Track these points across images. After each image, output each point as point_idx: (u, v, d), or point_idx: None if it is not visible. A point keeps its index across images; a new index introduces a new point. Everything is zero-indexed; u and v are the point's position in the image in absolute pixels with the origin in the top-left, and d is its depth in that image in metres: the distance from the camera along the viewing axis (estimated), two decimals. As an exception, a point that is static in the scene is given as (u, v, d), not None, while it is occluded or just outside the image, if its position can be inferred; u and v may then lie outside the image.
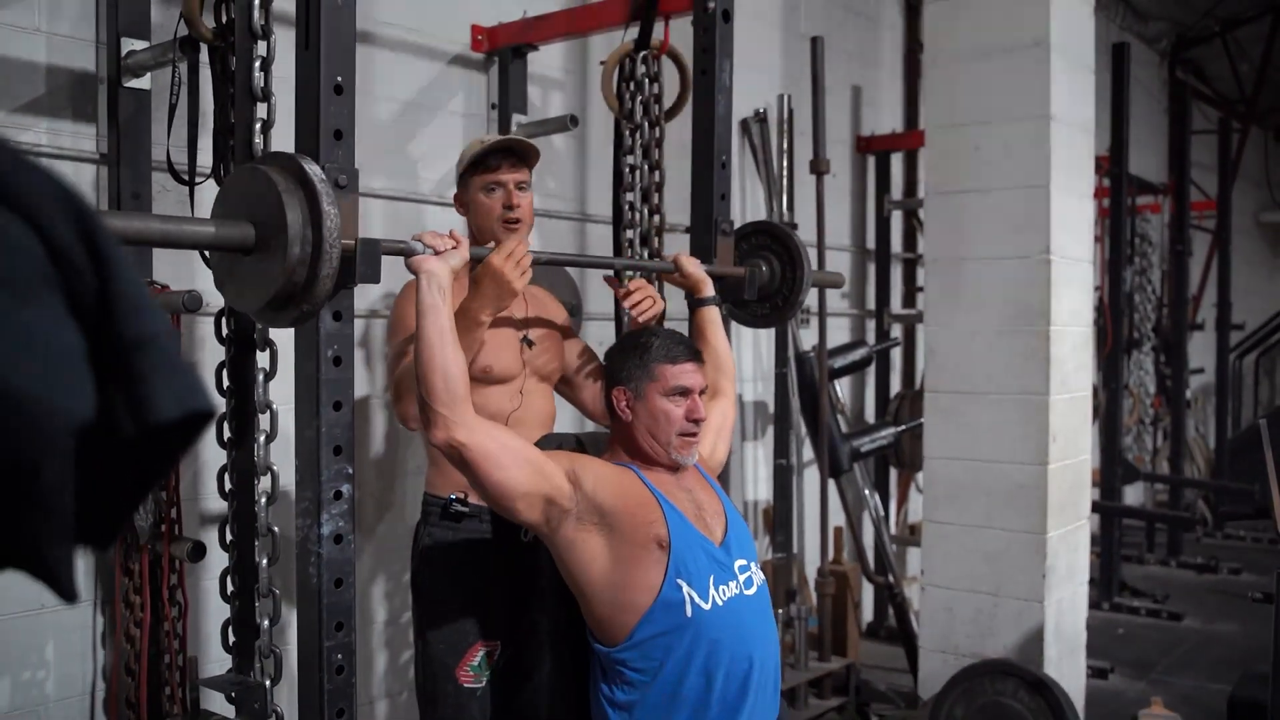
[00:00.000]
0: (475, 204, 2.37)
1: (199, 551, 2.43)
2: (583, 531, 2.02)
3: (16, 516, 0.62)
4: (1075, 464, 3.66)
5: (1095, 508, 5.35)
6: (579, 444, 2.36)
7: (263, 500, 2.09)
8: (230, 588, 2.18)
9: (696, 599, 2.03)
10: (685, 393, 2.16)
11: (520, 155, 2.42)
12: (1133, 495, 7.62)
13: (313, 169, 1.65)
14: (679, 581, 2.03)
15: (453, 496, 2.28)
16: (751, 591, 2.14)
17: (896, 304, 5.64)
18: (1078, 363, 3.65)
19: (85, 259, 0.62)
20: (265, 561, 2.09)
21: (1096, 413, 5.52)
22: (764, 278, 2.81)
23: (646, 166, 3.13)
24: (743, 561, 2.15)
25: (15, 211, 0.59)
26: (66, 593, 0.68)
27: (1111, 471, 5.75)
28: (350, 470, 1.94)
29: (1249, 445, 6.95)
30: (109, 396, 0.62)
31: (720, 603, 2.06)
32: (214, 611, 2.87)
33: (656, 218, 3.13)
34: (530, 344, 2.46)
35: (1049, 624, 3.51)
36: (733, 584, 2.09)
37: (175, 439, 0.67)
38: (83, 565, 2.62)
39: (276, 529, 2.11)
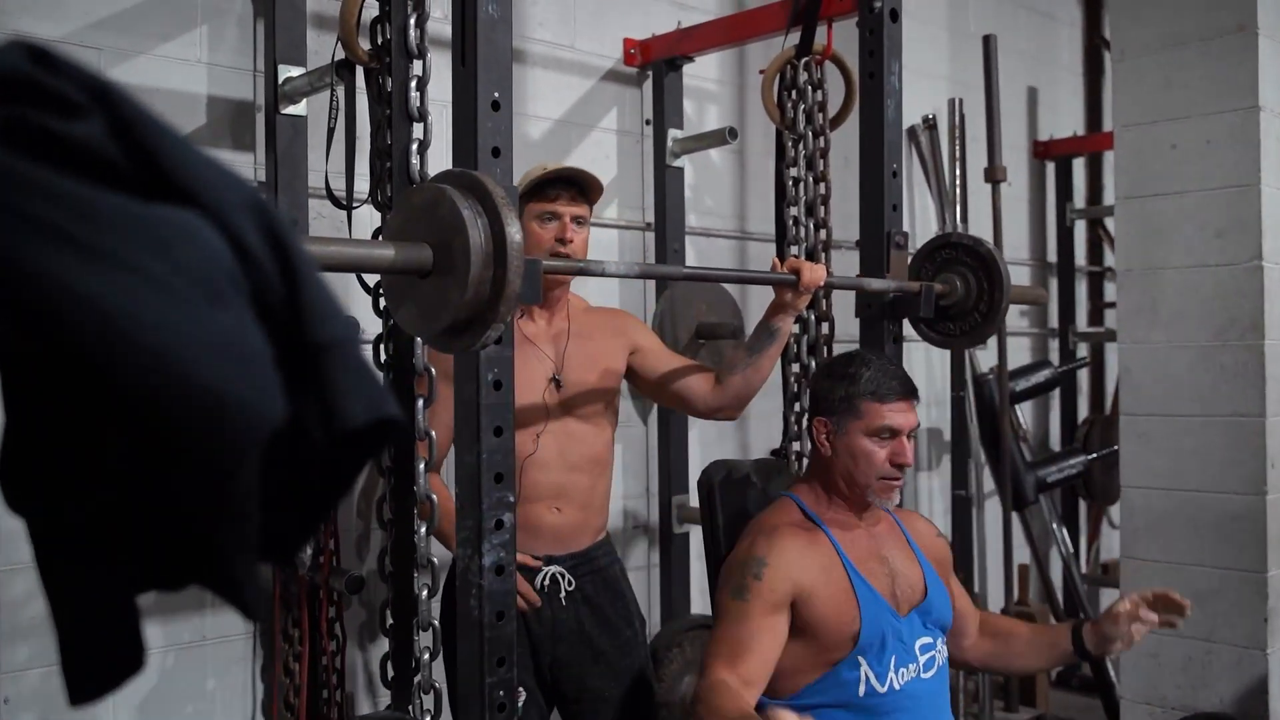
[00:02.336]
0: (527, 231, 2.36)
1: (357, 584, 2.50)
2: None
3: (207, 524, 0.63)
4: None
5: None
6: (748, 477, 2.34)
7: (422, 530, 2.13)
8: (390, 620, 2.23)
9: (873, 680, 2.01)
10: (892, 434, 2.09)
11: (581, 188, 2.42)
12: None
13: (494, 186, 1.68)
14: (859, 659, 2.01)
15: None
16: (930, 674, 2.08)
17: (1082, 321, 5.43)
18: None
19: (273, 264, 0.64)
20: (425, 593, 2.13)
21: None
22: (958, 294, 2.75)
23: (811, 178, 3.10)
24: (926, 640, 2.10)
25: (206, 215, 0.61)
26: (250, 609, 0.69)
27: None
28: (512, 498, 1.97)
29: None
30: (298, 403, 0.64)
31: (897, 686, 2.02)
32: (370, 646, 2.95)
33: (823, 232, 3.09)
34: (559, 385, 2.47)
35: (1275, 675, 3.29)
36: (912, 666, 2.05)
37: (363, 448, 0.69)
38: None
39: (436, 559, 2.15)
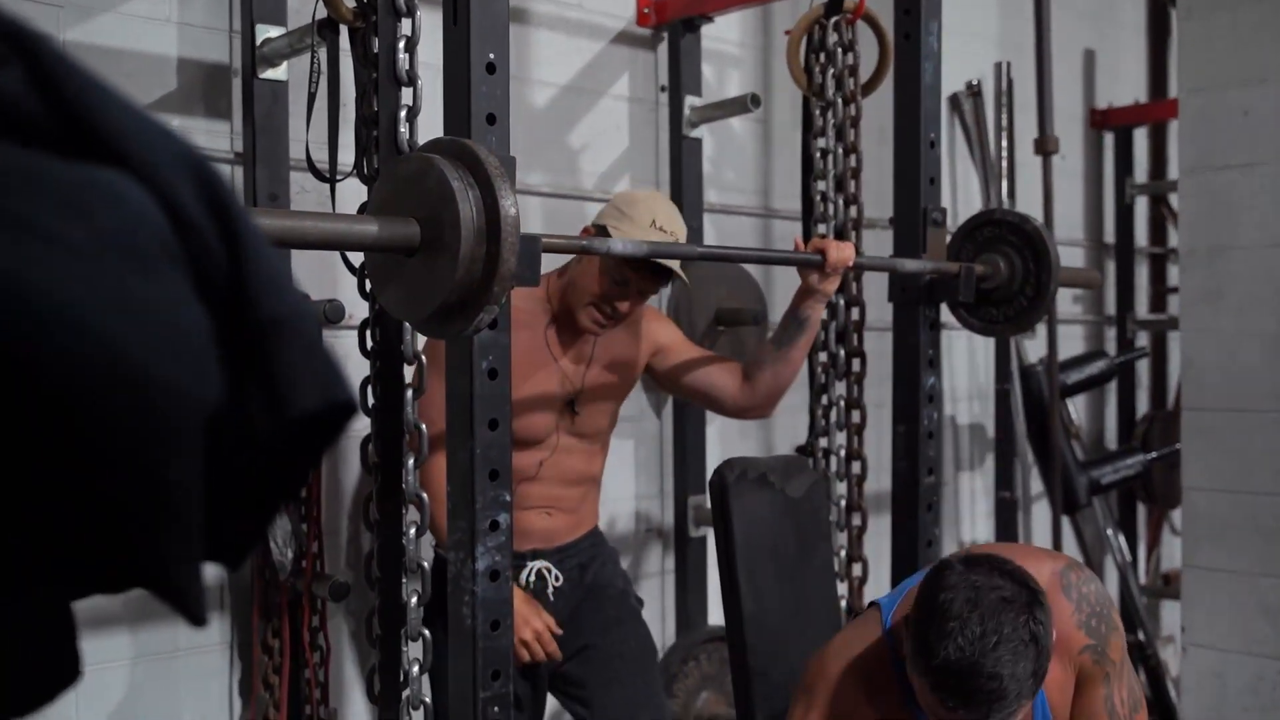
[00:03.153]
0: (592, 273, 2.44)
1: (342, 591, 2.50)
2: None
3: (141, 522, 0.62)
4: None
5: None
6: (765, 477, 2.32)
7: (411, 532, 2.13)
8: (376, 630, 2.22)
9: None
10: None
11: (666, 276, 2.47)
12: None
13: (487, 155, 1.67)
14: None
15: None
16: None
17: (1142, 308, 5.39)
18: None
19: (213, 231, 0.63)
20: (414, 601, 2.13)
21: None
22: (1001, 276, 2.72)
23: (840, 150, 3.07)
24: None
25: (136, 176, 0.60)
26: (194, 615, 0.68)
27: None
28: (508, 497, 1.96)
29: None
30: (241, 387, 0.62)
31: None
32: (354, 658, 2.94)
33: (853, 209, 3.07)
34: (575, 411, 2.56)
35: (1349, 695, 3.26)
36: None
37: (316, 436, 0.67)
38: (218, 604, 2.73)
39: (426, 564, 2.14)
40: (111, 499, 0.59)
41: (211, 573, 2.71)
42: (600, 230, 2.45)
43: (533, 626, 2.40)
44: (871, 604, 2.01)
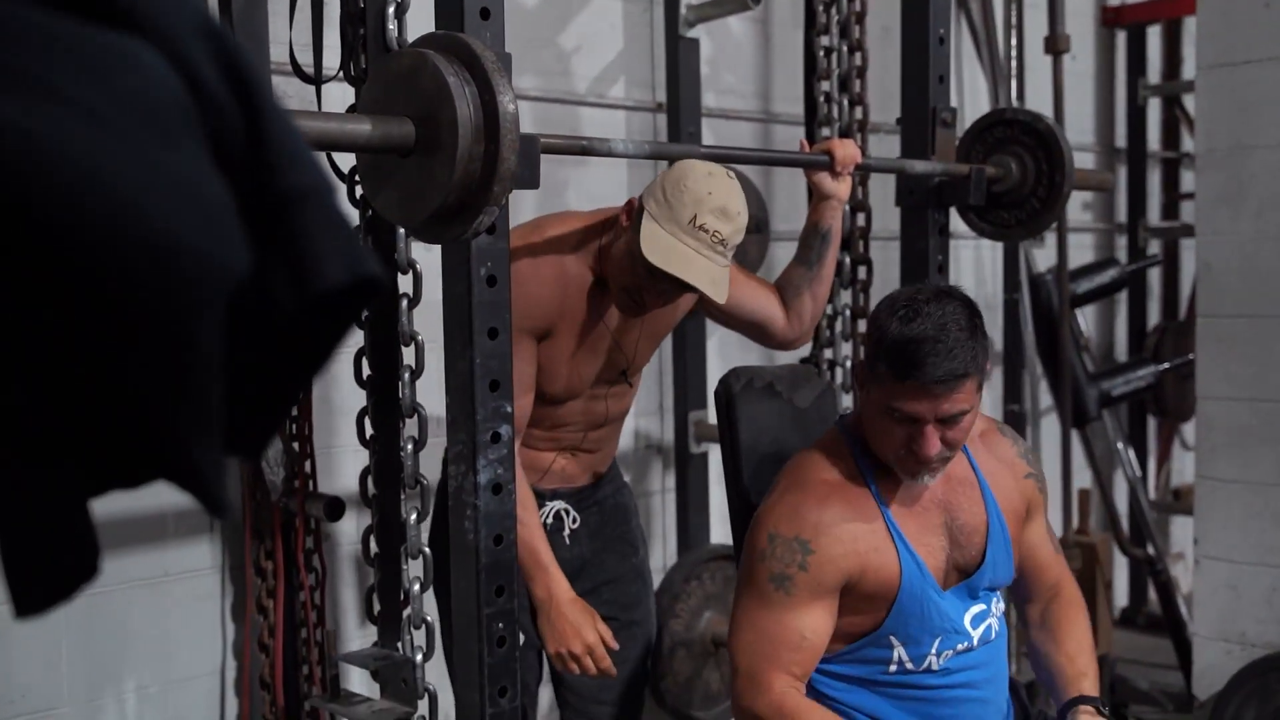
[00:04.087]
0: (623, 251, 2.22)
1: (337, 509, 2.52)
2: None
3: (164, 402, 0.62)
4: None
5: None
6: (771, 386, 2.33)
7: (409, 447, 2.13)
8: (374, 549, 2.24)
9: (905, 661, 2.01)
10: (907, 420, 1.91)
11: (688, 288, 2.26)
12: None
13: (483, 49, 1.65)
14: (890, 638, 2.01)
15: None
16: (986, 643, 2.08)
17: (1154, 215, 5.39)
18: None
19: (232, 102, 0.62)
20: (414, 518, 2.14)
21: None
22: (1013, 178, 2.72)
23: (845, 48, 3.06)
24: (978, 608, 2.08)
25: (148, 39, 0.59)
26: (217, 503, 0.69)
27: None
28: (510, 408, 1.96)
29: None
30: (262, 261, 0.62)
31: (936, 666, 2.02)
32: (352, 579, 2.97)
33: (859, 110, 3.05)
34: (627, 380, 2.51)
35: (1366, 606, 3.32)
36: (962, 644, 2.04)
37: (340, 314, 0.67)
38: (207, 527, 2.75)
39: (426, 479, 2.15)
40: (134, 375, 0.59)
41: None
42: (641, 205, 2.20)
43: (585, 640, 2.25)
44: (834, 427, 2.18)
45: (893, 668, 2.01)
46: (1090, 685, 2.14)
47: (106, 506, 0.70)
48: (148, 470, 0.69)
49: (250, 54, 0.64)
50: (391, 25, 2.04)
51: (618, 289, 2.27)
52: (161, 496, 2.41)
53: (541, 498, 2.44)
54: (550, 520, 2.48)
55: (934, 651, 2.01)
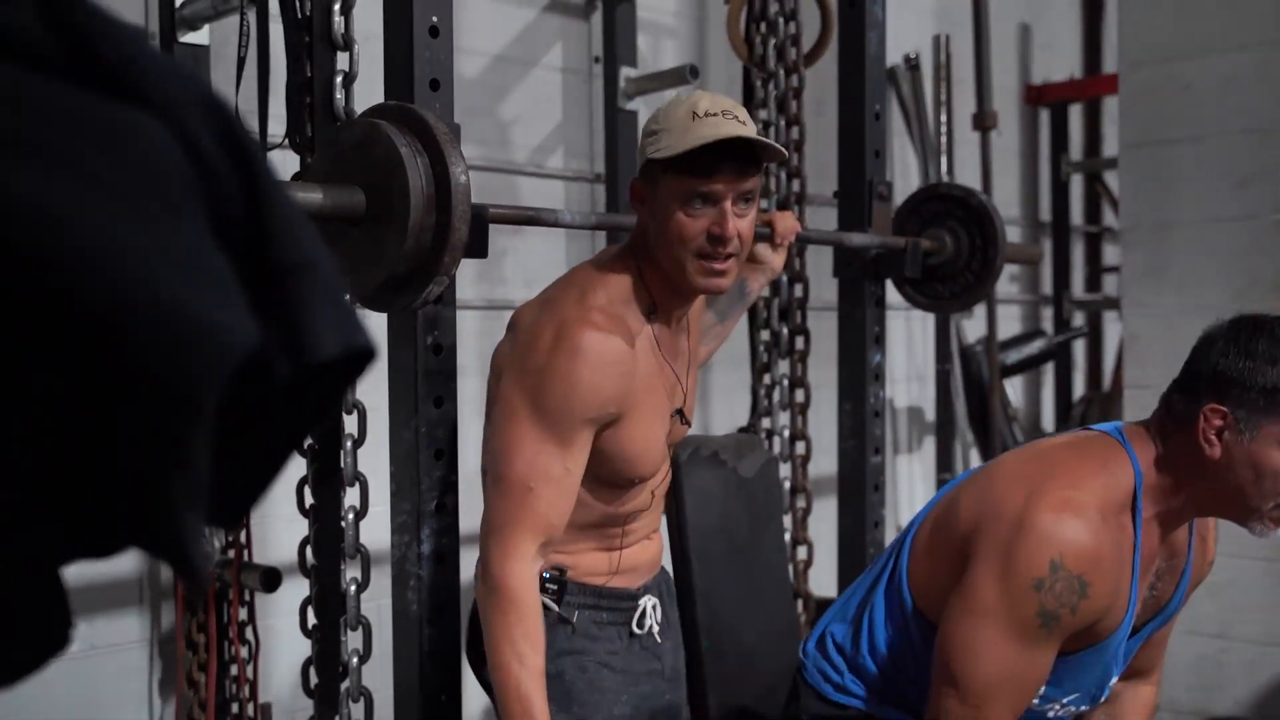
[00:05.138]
0: (666, 216, 1.83)
1: (274, 580, 2.48)
2: None
3: (156, 473, 0.63)
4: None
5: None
6: (717, 455, 2.35)
7: (350, 516, 2.12)
8: (312, 620, 2.21)
9: (1035, 701, 1.89)
10: None
11: (753, 151, 1.85)
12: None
13: (435, 121, 1.68)
14: (1063, 681, 1.90)
15: (545, 574, 1.90)
16: (1092, 705, 2.01)
17: (1078, 287, 5.52)
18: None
19: (232, 173, 0.63)
20: (354, 589, 2.12)
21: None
22: (948, 251, 2.78)
23: (783, 122, 3.12)
24: (1114, 681, 1.98)
25: (153, 111, 0.60)
26: (195, 571, 0.69)
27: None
28: (454, 478, 1.96)
29: None
30: (260, 331, 0.63)
31: (1050, 716, 1.95)
32: (289, 651, 2.93)
33: (796, 182, 3.11)
34: (685, 420, 2.07)
35: (1293, 673, 3.38)
36: (1081, 706, 1.96)
37: (330, 384, 0.68)
38: (136, 598, 2.70)
39: (366, 547, 2.14)
40: (132, 442, 0.60)
41: (128, 563, 2.67)
42: (644, 170, 1.90)
43: None
44: (1120, 442, 1.93)
45: (1035, 700, 1.89)
46: None
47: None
48: (127, 537, 0.69)
49: (248, 129, 0.65)
50: (339, 94, 2.06)
51: (692, 263, 1.84)
52: (88, 566, 2.36)
53: (635, 597, 2.04)
54: (637, 624, 2.04)
55: (1072, 704, 1.93)
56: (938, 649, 1.86)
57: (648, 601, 2.05)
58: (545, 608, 1.87)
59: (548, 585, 1.90)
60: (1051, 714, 1.95)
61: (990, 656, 1.79)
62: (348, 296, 0.67)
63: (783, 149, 1.88)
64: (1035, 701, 1.88)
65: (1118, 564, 1.80)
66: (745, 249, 1.88)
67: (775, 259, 2.42)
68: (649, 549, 2.08)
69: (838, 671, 2.11)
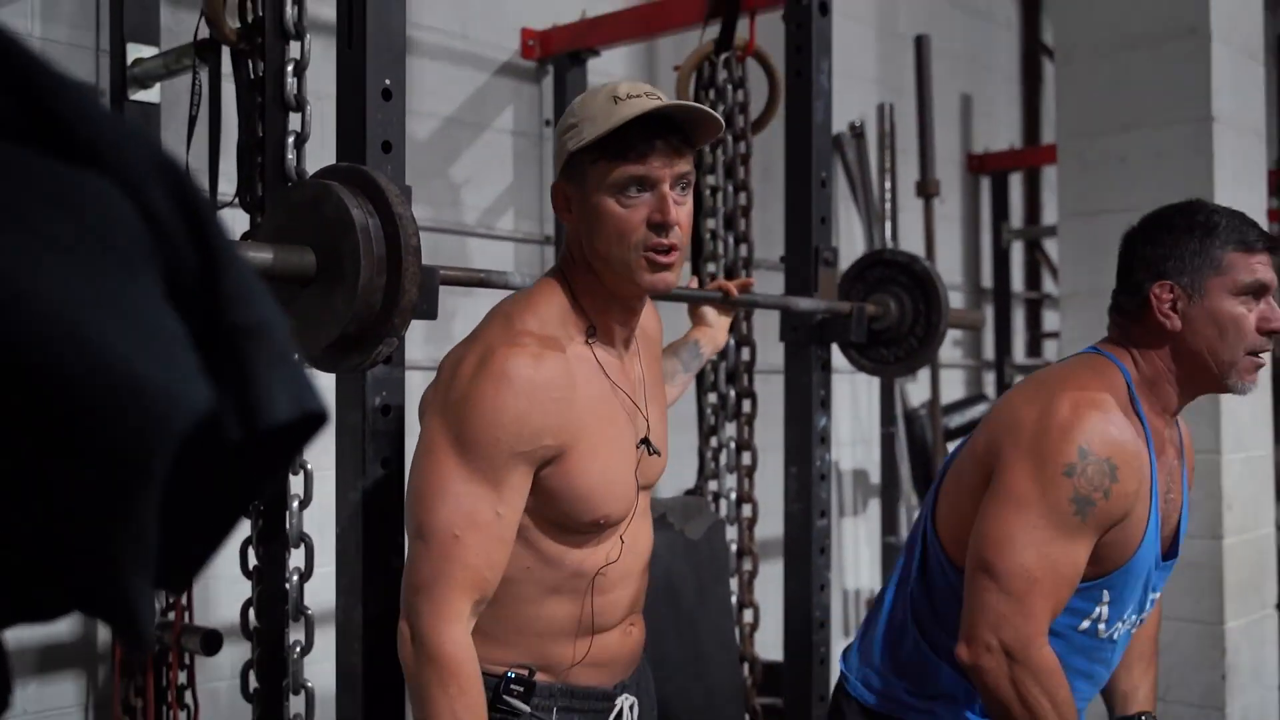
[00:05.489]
0: (600, 212, 1.66)
1: (215, 643, 2.44)
2: None
3: (103, 538, 0.62)
4: (1256, 539, 3.58)
5: None
6: (664, 517, 2.35)
7: (295, 577, 2.10)
8: (254, 684, 2.18)
9: (1101, 622, 1.92)
10: (1261, 292, 1.89)
11: (684, 130, 1.69)
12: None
13: (387, 182, 1.68)
14: (1104, 591, 1.91)
15: (510, 674, 1.72)
16: (1137, 623, 2.03)
17: (1019, 352, 5.59)
18: (1255, 414, 3.58)
19: (185, 236, 0.63)
20: (298, 651, 2.10)
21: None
22: (892, 316, 2.81)
23: (731, 187, 3.15)
24: (1154, 595, 2.02)
25: (108, 175, 0.60)
26: (143, 637, 0.68)
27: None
28: (401, 540, 1.95)
29: None
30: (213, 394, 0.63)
31: (1115, 637, 1.97)
32: (230, 715, 2.87)
33: (744, 247, 3.14)
34: (652, 450, 1.83)
35: (1231, 736, 3.41)
36: (1134, 618, 1.99)
37: (281, 447, 0.68)
38: (71, 662, 2.64)
39: (311, 610, 2.11)
40: (80, 506, 0.59)
41: (64, 626, 2.62)
42: (567, 168, 1.71)
43: None
44: (1101, 356, 2.01)
45: (1085, 624, 1.91)
46: (1147, 701, 2.13)
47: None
48: (72, 600, 0.68)
49: (202, 191, 0.65)
50: (291, 155, 2.06)
51: (637, 259, 1.66)
52: (21, 630, 2.31)
53: (610, 698, 1.83)
54: None
55: (1123, 619, 1.95)
56: (973, 546, 1.87)
57: (625, 702, 1.84)
58: (514, 711, 1.70)
59: (513, 687, 1.71)
60: (1116, 635, 1.97)
61: (1029, 544, 1.81)
62: (299, 359, 0.67)
63: (719, 118, 1.70)
64: (1102, 626, 1.92)
65: (1138, 451, 1.85)
66: (687, 243, 1.71)
67: (723, 321, 2.40)
68: (628, 641, 1.85)
69: (881, 676, 2.07)
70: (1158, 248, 1.93)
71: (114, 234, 0.57)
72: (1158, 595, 2.04)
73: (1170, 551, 2.00)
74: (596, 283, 1.74)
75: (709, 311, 2.37)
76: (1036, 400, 1.90)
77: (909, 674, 2.03)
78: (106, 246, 0.56)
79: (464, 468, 1.60)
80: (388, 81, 1.93)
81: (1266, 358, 1.94)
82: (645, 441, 1.81)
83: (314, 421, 0.66)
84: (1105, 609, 1.91)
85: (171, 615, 2.55)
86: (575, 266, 1.76)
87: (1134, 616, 1.98)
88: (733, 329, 3.12)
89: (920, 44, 4.59)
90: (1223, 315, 1.88)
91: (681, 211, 1.67)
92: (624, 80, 1.72)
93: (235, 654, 2.56)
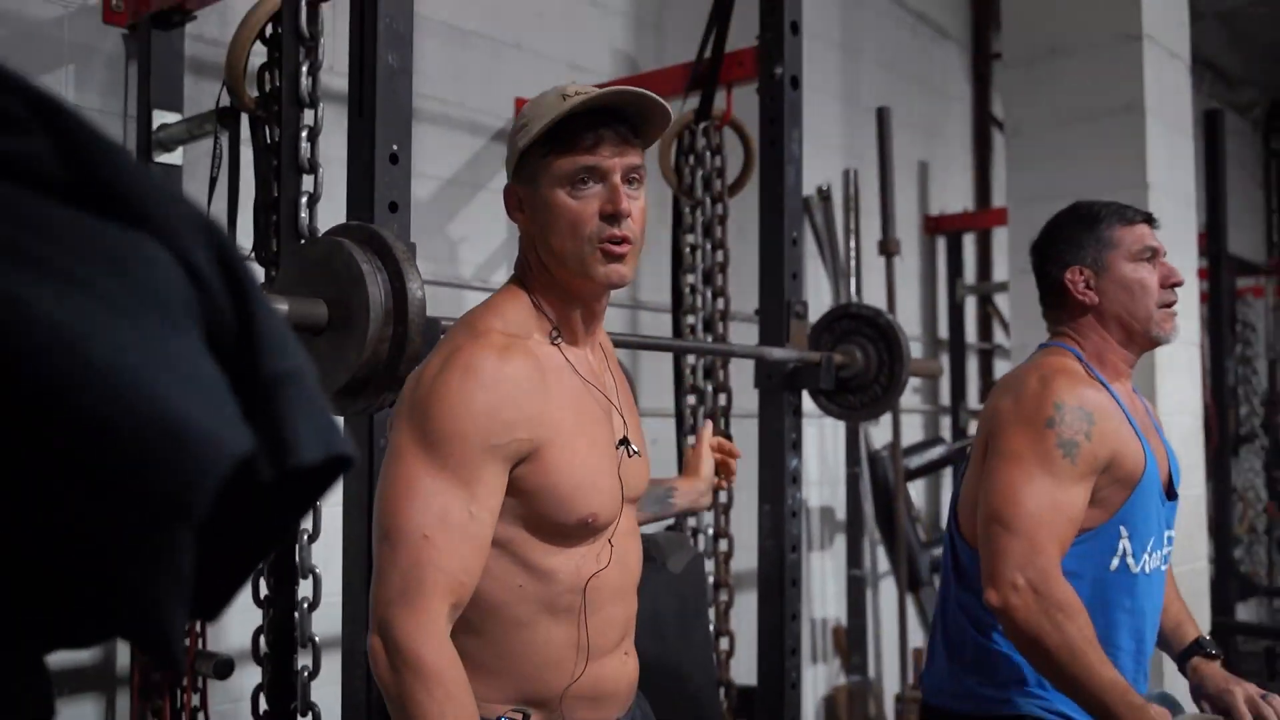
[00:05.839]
0: (552, 206, 1.55)
1: (226, 668, 2.42)
2: None
3: (150, 567, 0.62)
4: (1189, 573, 3.59)
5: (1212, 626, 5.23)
6: (648, 552, 2.34)
7: (304, 606, 2.08)
8: (263, 706, 2.16)
9: (1129, 557, 1.97)
10: (1154, 254, 2.06)
11: (634, 123, 1.59)
12: (1244, 615, 7.44)
13: (394, 240, 1.69)
14: (1120, 527, 1.98)
15: (503, 718, 1.53)
16: (1163, 562, 2.07)
17: (973, 398, 5.62)
18: (1188, 458, 3.61)
19: (224, 292, 0.64)
20: (305, 675, 2.08)
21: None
22: (858, 365, 2.83)
23: (709, 245, 3.18)
24: (1170, 534, 2.08)
25: (155, 235, 0.61)
26: (178, 661, 0.68)
27: (1226, 585, 5.63)
28: (403, 571, 1.94)
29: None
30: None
31: (1148, 570, 2.00)
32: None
33: (720, 301, 3.16)
34: (629, 449, 1.66)
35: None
36: (1158, 554, 2.03)
37: (310, 487, 0.68)
38: (90, 686, 2.61)
39: (318, 637, 2.10)
40: (127, 543, 0.59)
41: (84, 652, 2.59)
42: (518, 168, 1.61)
43: None
44: (1049, 345, 2.16)
45: (1116, 561, 1.97)
46: (1194, 629, 2.17)
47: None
48: (112, 627, 0.68)
49: (237, 247, 0.66)
50: (304, 213, 2.07)
51: (591, 254, 1.53)
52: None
53: None
54: None
55: (1148, 552, 1.99)
56: (982, 503, 1.97)
57: None
58: None
59: None
60: (1149, 568, 2.01)
61: (1030, 491, 1.91)
62: (327, 405, 0.68)
63: (668, 107, 1.58)
64: (1131, 561, 1.98)
65: (1108, 401, 1.99)
66: (640, 240, 1.57)
67: (709, 482, 2.14)
68: (624, 671, 1.67)
69: (953, 678, 2.09)
70: (1059, 244, 2.11)
71: (162, 292, 0.58)
72: (1172, 533, 2.10)
73: (1169, 493, 2.08)
74: (554, 283, 1.60)
75: (705, 464, 2.12)
76: (1010, 390, 2.04)
77: (976, 669, 2.06)
78: (156, 303, 0.57)
79: (432, 465, 1.43)
80: (395, 147, 1.95)
81: (1178, 308, 2.09)
82: (625, 442, 1.64)
83: (340, 463, 0.67)
84: (1127, 543, 1.98)
85: (187, 642, 2.53)
86: (531, 271, 1.64)
87: (1157, 551, 2.03)
88: (710, 376, 3.14)
89: (882, 115, 4.64)
90: (1129, 280, 2.04)
91: (635, 206, 1.55)
92: (573, 84, 1.60)
93: (247, 678, 2.54)
